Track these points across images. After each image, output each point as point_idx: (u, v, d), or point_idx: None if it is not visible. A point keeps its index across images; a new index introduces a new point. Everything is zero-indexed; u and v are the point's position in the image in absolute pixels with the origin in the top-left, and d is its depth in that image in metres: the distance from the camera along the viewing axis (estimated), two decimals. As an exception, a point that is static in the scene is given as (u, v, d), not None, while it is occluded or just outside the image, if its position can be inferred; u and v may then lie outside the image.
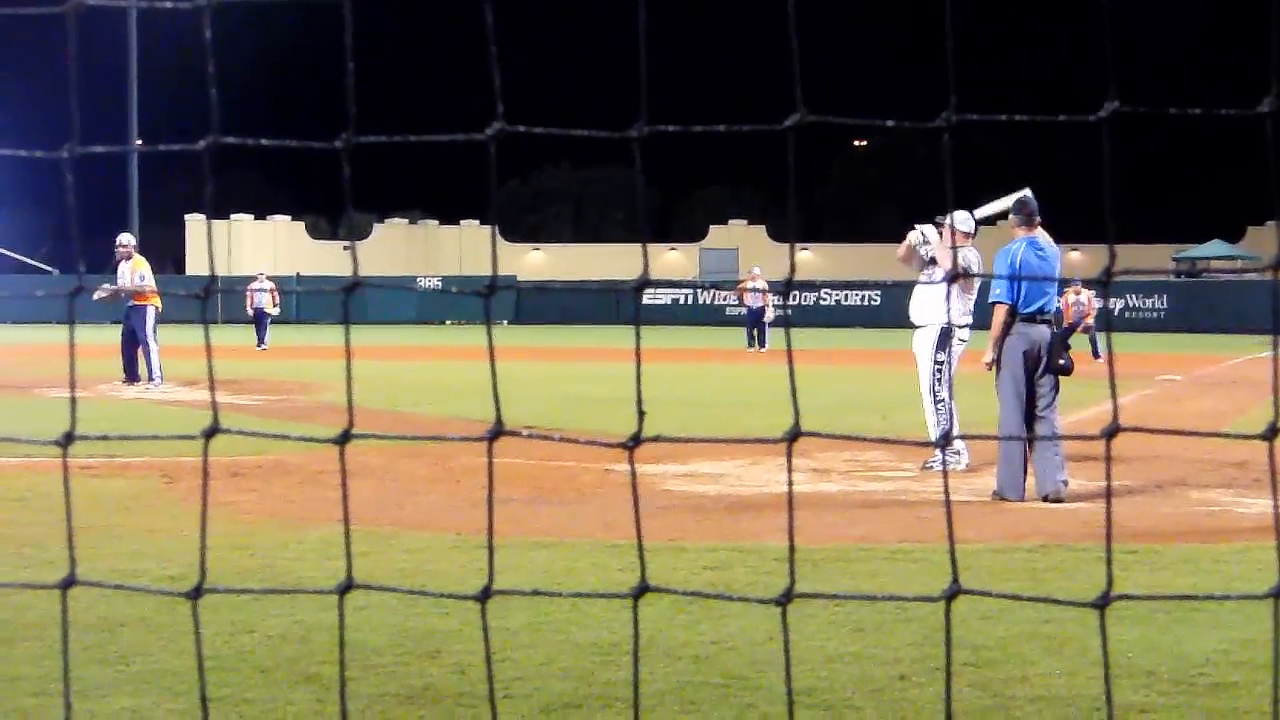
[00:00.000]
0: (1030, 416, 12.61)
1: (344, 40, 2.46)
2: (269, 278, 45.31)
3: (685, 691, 6.54)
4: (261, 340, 42.24)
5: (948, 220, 14.14)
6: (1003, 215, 13.77)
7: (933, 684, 6.59)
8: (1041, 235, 12.89)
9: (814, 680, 6.67)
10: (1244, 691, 6.52)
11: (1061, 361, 12.57)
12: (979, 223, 14.49)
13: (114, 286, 25.81)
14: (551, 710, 6.26)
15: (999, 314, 12.68)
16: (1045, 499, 12.21)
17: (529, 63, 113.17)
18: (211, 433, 2.51)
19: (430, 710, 6.27)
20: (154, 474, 13.46)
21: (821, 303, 68.92)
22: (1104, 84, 2.36)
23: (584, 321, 65.38)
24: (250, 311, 43.67)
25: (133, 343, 25.31)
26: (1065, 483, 12.31)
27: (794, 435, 2.41)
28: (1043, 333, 12.64)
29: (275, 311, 43.69)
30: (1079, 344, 36.62)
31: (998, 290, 12.85)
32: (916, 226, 14.65)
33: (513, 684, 6.62)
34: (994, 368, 12.73)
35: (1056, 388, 12.70)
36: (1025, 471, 12.42)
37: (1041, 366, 12.57)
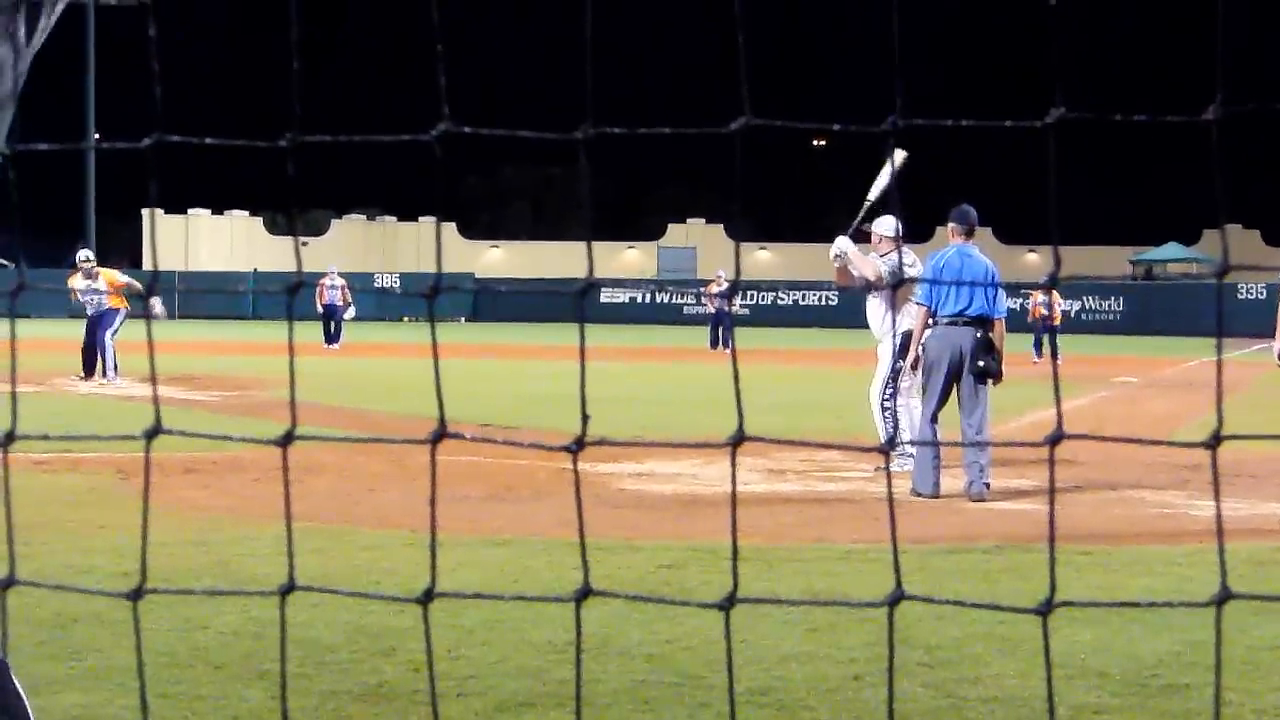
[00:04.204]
0: (936, 415, 12.95)
1: (290, 35, 2.45)
2: (339, 274, 42.97)
3: (639, 690, 6.54)
4: (335, 338, 40.45)
5: (873, 226, 14.30)
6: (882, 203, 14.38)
7: (886, 684, 6.60)
8: (973, 245, 13.15)
9: (768, 680, 6.67)
10: (1195, 693, 6.55)
11: (981, 364, 12.69)
12: (878, 203, 14.61)
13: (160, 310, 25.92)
14: (505, 708, 6.25)
15: (919, 316, 13.24)
16: (971, 499, 12.54)
17: (492, 57, 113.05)
18: (153, 433, 2.50)
19: (384, 708, 6.25)
20: (108, 469, 13.38)
21: (779, 302, 68.93)
22: (1052, 90, 2.37)
23: (542, 318, 65.27)
24: (320, 309, 41.28)
25: (94, 341, 25.39)
26: (988, 485, 12.64)
27: (738, 439, 2.40)
28: (962, 335, 12.78)
29: (351, 312, 41.94)
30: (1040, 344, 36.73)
31: (918, 293, 13.35)
32: (836, 241, 14.44)
33: (467, 682, 6.61)
34: (916, 367, 13.35)
35: (980, 391, 12.81)
36: (937, 468, 12.74)
37: (964, 369, 12.77)
